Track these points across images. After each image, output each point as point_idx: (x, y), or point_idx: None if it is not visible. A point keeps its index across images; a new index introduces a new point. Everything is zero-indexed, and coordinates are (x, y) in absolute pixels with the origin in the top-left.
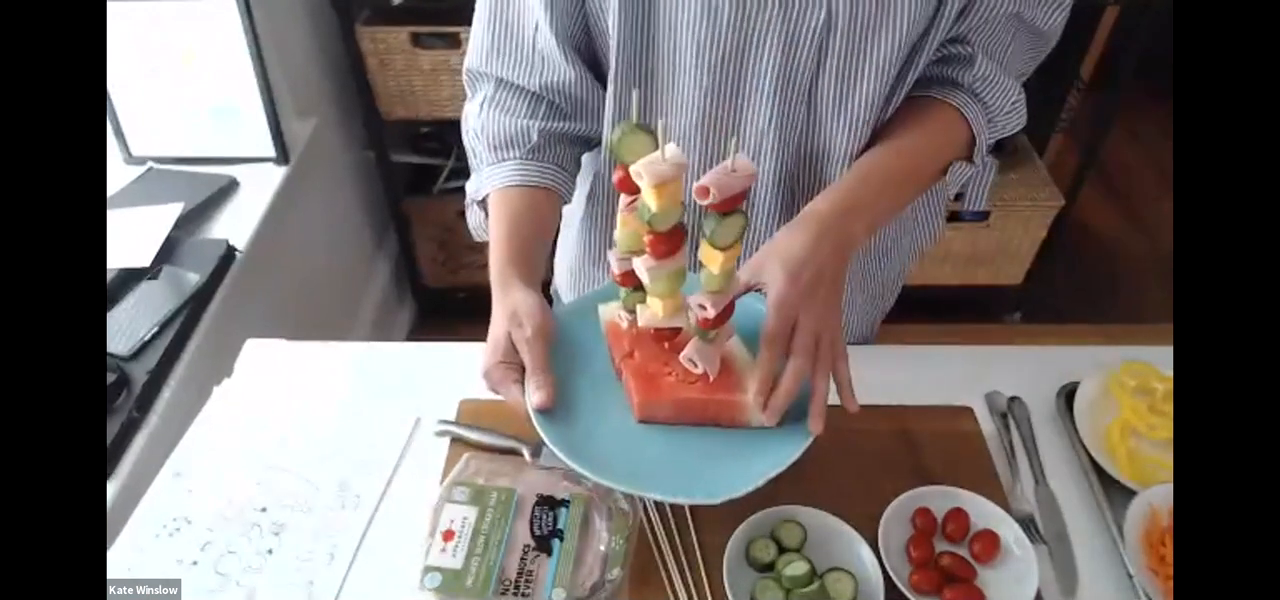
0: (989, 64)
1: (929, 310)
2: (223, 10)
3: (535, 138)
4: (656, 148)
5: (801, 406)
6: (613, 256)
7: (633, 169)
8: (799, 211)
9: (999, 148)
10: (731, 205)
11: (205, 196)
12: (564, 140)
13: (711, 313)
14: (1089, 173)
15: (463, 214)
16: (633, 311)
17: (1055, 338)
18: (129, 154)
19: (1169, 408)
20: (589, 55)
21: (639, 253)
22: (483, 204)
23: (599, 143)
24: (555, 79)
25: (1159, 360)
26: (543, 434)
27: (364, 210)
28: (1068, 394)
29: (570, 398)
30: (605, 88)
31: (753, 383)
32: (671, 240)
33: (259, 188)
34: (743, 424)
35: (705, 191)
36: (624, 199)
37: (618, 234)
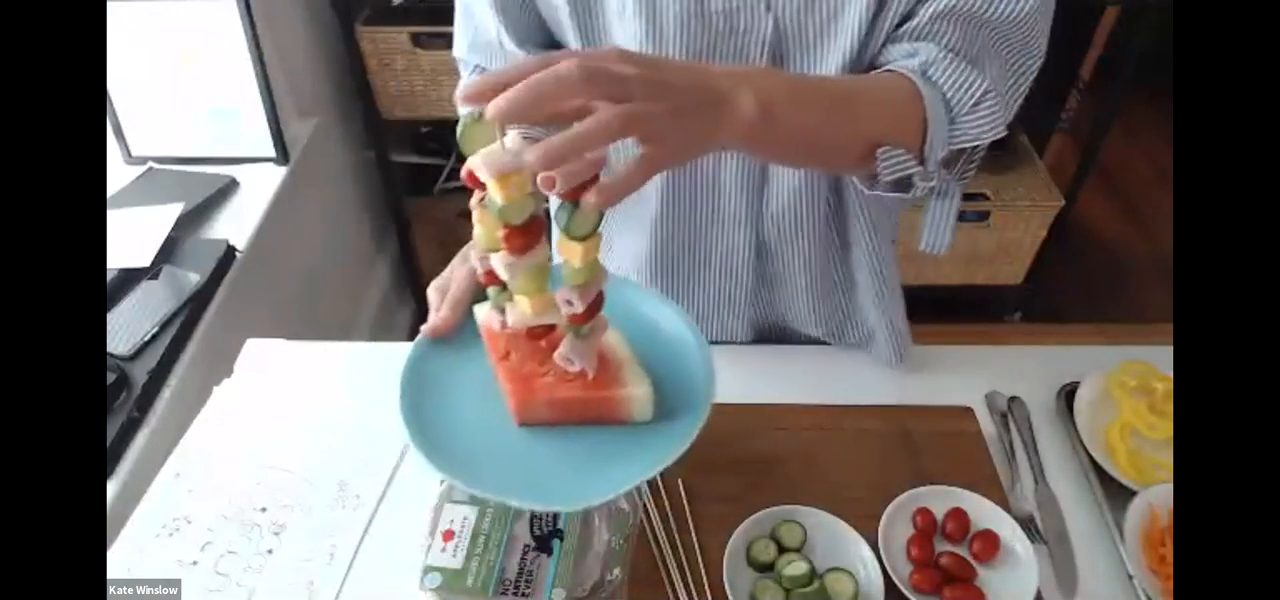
0: (944, 53)
1: (929, 310)
2: (223, 10)
3: (460, 124)
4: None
5: (686, 403)
6: (474, 255)
7: (470, 162)
8: (765, 212)
9: (997, 146)
10: (582, 194)
11: (205, 196)
12: None
13: (579, 307)
14: (1089, 173)
15: (463, 214)
16: (503, 311)
17: (1055, 338)
18: (129, 154)
19: (1169, 408)
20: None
21: (497, 249)
22: None
23: None
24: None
25: (1159, 360)
26: (406, 430)
27: (364, 210)
28: (1068, 394)
29: (449, 401)
30: None
31: (632, 377)
32: (528, 234)
33: (259, 188)
34: (626, 420)
35: (551, 182)
36: (475, 195)
37: (475, 231)
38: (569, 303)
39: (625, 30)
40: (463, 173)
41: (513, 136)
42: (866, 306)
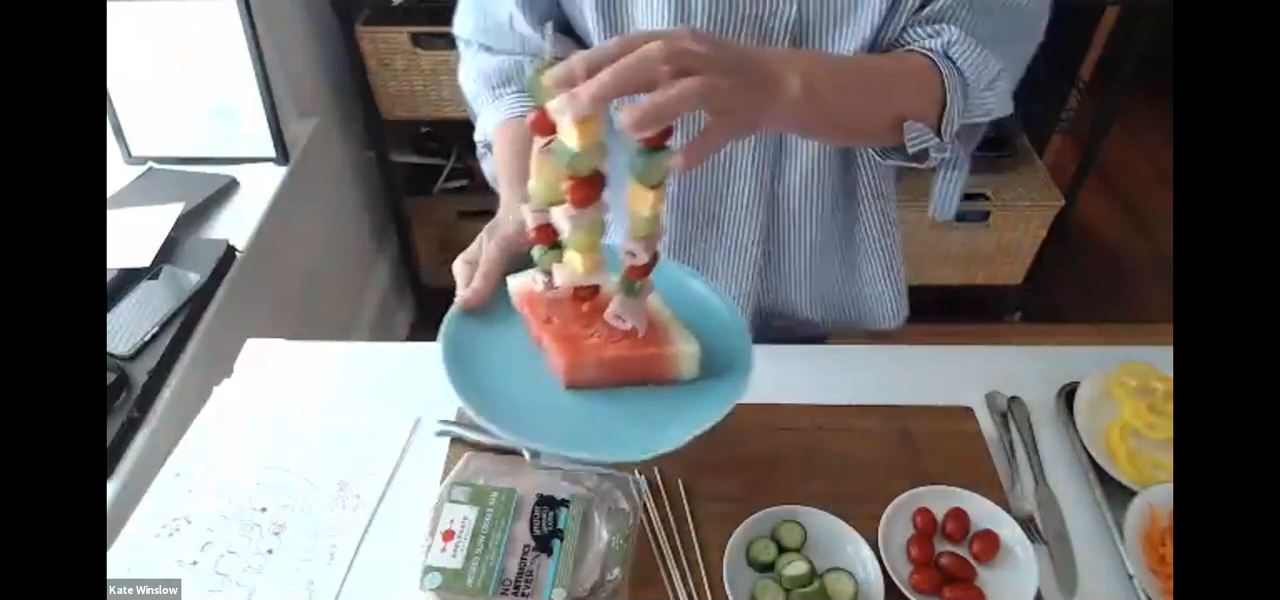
0: (964, 35)
1: (929, 310)
2: (223, 10)
3: (530, 69)
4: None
5: (726, 362)
6: (526, 210)
7: (551, 105)
8: (778, 193)
9: (997, 146)
10: (662, 139)
11: (205, 196)
12: None
13: (644, 257)
14: (1089, 173)
15: (463, 214)
16: (549, 272)
17: (1055, 338)
18: (129, 154)
19: (1169, 408)
20: (568, 27)
21: (556, 202)
22: (490, 150)
23: None
24: (536, 50)
25: (1159, 360)
26: (462, 398)
27: (364, 210)
28: (1068, 394)
29: (492, 369)
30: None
31: (679, 336)
32: (592, 185)
33: (259, 188)
34: (673, 378)
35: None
36: (537, 143)
37: (531, 184)
38: (632, 254)
39: (651, 10)
40: (529, 120)
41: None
42: (868, 272)
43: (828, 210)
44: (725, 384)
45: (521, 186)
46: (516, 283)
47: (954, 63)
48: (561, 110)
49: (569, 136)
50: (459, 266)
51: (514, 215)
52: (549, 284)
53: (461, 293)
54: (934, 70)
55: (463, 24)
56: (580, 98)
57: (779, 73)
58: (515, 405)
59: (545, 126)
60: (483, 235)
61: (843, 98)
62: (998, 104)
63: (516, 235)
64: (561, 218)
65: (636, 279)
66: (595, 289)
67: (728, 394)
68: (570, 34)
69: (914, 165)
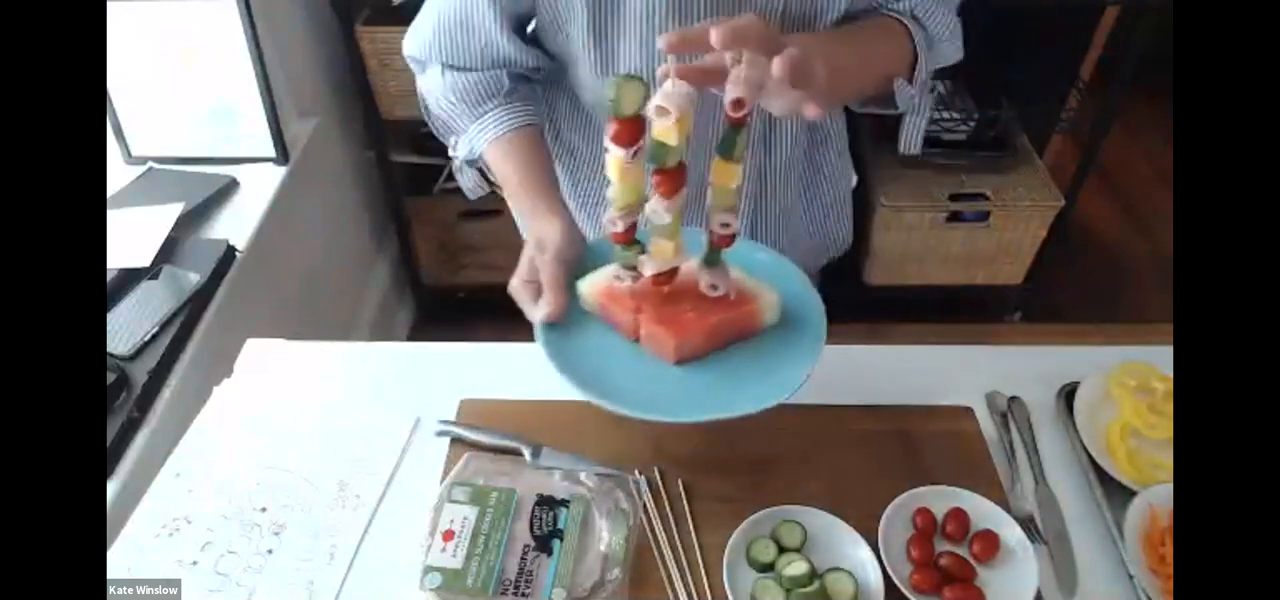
0: None
1: (929, 310)
2: (223, 10)
3: (507, 82)
4: (648, 95)
5: (797, 303)
6: (611, 217)
7: (655, 104)
8: (765, 164)
9: (997, 146)
10: (743, 119)
11: (205, 196)
12: (528, 81)
13: (736, 225)
14: (1089, 173)
15: (463, 214)
16: (632, 268)
17: (1055, 338)
18: (129, 154)
19: (1169, 408)
20: (523, 28)
21: (642, 201)
22: (473, 164)
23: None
24: (508, 64)
25: (1159, 360)
26: (590, 396)
27: (364, 210)
28: (1068, 394)
29: (600, 367)
30: (549, 56)
31: (759, 288)
32: (679, 176)
33: (259, 188)
34: (760, 328)
35: (740, 103)
36: (615, 154)
37: (613, 191)
38: (725, 225)
39: (651, 5)
40: (610, 133)
41: (675, 81)
42: (831, 210)
43: (800, 168)
44: (802, 321)
45: (549, 195)
46: (589, 286)
47: (919, 22)
48: (668, 107)
49: (669, 134)
50: (519, 289)
51: (557, 228)
52: (636, 276)
53: (536, 311)
54: (904, 31)
55: (419, 45)
56: (732, 26)
57: (810, 56)
58: (638, 391)
59: (629, 136)
60: (529, 254)
61: (849, 72)
62: (955, 52)
63: (568, 246)
64: (657, 210)
65: (724, 247)
66: (675, 271)
67: (815, 329)
68: (528, 42)
69: (887, 111)
